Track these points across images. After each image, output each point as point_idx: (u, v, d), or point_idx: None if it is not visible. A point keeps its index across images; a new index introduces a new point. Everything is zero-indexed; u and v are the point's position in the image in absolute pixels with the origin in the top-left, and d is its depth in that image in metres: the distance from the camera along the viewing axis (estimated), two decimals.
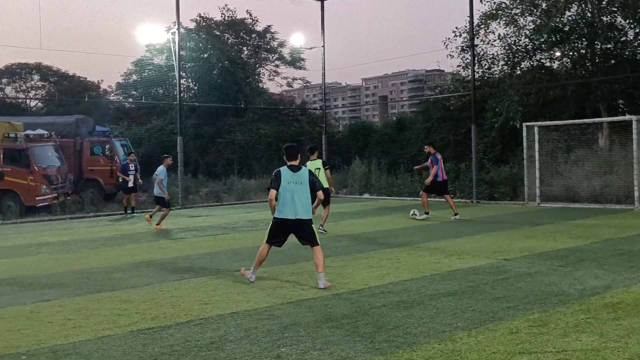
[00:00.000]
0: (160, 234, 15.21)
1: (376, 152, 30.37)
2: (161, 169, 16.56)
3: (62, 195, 22.29)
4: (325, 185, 14.22)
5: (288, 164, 8.74)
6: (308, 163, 14.66)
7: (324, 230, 14.20)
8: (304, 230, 8.65)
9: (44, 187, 21.23)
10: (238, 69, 36.63)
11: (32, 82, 45.52)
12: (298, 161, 8.80)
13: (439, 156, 16.61)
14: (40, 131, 23.39)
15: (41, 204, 21.06)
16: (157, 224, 16.51)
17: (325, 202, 14.42)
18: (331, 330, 6.30)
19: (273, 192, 8.56)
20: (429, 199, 16.98)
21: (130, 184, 20.27)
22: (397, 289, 8.16)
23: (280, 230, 8.71)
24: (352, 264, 10.16)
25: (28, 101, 44.29)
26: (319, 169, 14.18)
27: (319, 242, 8.69)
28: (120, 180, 20.66)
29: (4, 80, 44.42)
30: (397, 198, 24.14)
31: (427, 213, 16.40)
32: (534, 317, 6.58)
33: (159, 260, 11.19)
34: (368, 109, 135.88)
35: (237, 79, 36.18)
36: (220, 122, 35.35)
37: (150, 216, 16.95)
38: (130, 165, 20.40)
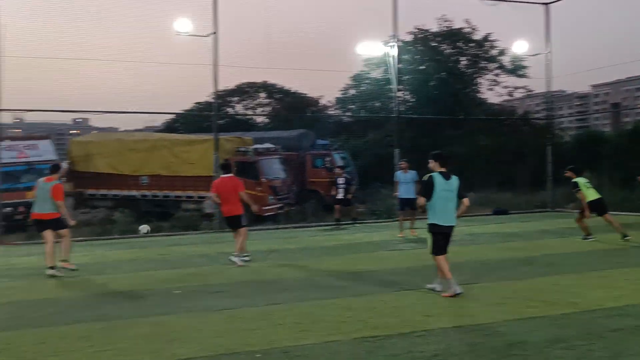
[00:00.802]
0: (380, 245, 15.29)
1: (608, 164, 28.19)
2: (396, 174, 17.66)
3: (286, 205, 23.55)
4: (590, 198, 14.39)
5: (439, 171, 8.91)
6: (579, 179, 14.47)
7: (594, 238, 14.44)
8: (449, 237, 9.01)
9: (271, 197, 22.60)
10: (455, 79, 36.18)
11: (259, 100, 48.68)
12: (447, 168, 8.96)
13: None
14: (267, 145, 24.88)
15: (268, 214, 22.36)
16: (412, 229, 17.07)
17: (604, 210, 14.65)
18: (562, 352, 5.89)
19: (423, 199, 8.95)
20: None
21: (340, 197, 20.59)
22: (636, 312, 7.44)
23: (442, 237, 8.94)
24: (583, 283, 9.47)
25: (255, 117, 47.47)
26: (588, 182, 14.72)
27: None
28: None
29: (234, 99, 48.01)
30: (632, 214, 22.00)
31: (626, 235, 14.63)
32: None
33: (379, 270, 11.30)
34: (598, 117, 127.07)
35: (455, 89, 35.73)
36: (437, 134, 35.09)
37: (411, 229, 17.10)
38: (339, 179, 20.73)
